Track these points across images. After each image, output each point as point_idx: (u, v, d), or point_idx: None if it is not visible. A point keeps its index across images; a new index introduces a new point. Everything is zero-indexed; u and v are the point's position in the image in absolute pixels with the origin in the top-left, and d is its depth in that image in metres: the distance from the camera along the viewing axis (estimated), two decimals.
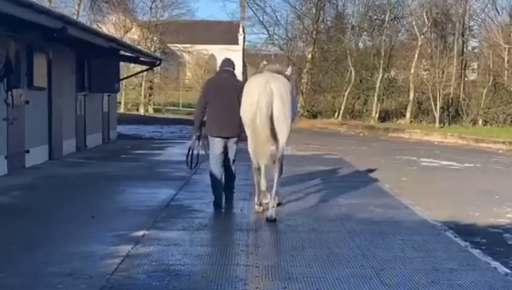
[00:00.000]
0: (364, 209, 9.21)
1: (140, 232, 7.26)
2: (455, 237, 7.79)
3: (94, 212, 8.48)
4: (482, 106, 30.82)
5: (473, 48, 35.66)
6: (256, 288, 5.41)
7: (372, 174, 13.28)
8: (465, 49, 34.08)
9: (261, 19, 39.06)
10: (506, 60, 31.38)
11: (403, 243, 7.25)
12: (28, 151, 12.73)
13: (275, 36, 38.34)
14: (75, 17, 32.73)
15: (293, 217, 8.46)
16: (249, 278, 5.65)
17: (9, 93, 11.54)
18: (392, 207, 9.50)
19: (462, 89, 32.47)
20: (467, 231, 8.26)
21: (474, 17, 34.52)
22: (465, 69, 33.58)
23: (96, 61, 17.27)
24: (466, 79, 33.68)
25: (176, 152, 17.45)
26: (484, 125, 30.56)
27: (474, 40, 35.60)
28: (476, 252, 7.10)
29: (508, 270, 6.35)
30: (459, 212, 9.57)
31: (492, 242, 7.84)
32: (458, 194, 11.42)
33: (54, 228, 7.66)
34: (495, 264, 6.60)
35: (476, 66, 35.29)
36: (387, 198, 10.30)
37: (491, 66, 32.32)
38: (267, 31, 38.91)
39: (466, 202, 10.55)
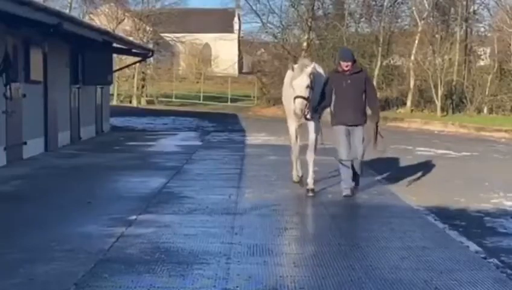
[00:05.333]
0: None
1: (133, 216, 8.11)
2: (435, 220, 8.37)
3: (90, 198, 9.39)
4: (487, 93, 30.86)
5: (477, 32, 35.46)
6: (238, 261, 6.23)
7: (364, 163, 13.85)
8: (469, 34, 34.03)
9: (254, 7, 39.41)
10: None
11: (382, 225, 7.93)
12: (25, 143, 13.61)
13: (268, 25, 38.77)
14: (67, 10, 33.70)
15: (279, 202, 9.20)
16: (232, 254, 6.46)
17: (8, 87, 12.44)
18: (379, 194, 10.09)
19: (465, 75, 32.36)
20: (448, 215, 8.77)
21: (477, 0, 34.47)
22: (469, 55, 33.55)
23: (90, 54, 17.94)
24: (471, 65, 33.25)
25: (168, 143, 18.23)
26: (490, 113, 30.59)
27: (478, 24, 35.70)
28: (452, 233, 7.69)
29: (479, 249, 6.95)
30: (445, 198, 10.02)
31: (471, 225, 8.31)
32: (448, 181, 11.79)
33: (53, 213, 8.56)
34: (468, 243, 7.18)
35: (482, 52, 35.29)
36: (375, 185, 10.76)
37: (496, 52, 32.53)
38: (261, 19, 39.26)
39: (454, 189, 10.98)
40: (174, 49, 51.40)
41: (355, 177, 10.10)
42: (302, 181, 10.50)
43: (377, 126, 10.10)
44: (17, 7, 10.79)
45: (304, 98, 9.46)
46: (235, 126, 26.20)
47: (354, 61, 9.96)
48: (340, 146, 9.86)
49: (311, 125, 10.05)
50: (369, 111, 10.04)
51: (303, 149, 10.42)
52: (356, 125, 9.84)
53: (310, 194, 9.85)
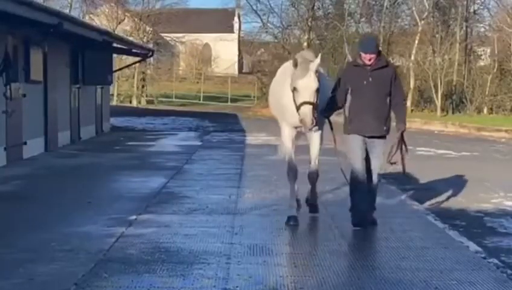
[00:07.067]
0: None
1: (133, 216, 8.16)
2: (435, 219, 8.42)
3: (90, 198, 9.45)
4: (487, 93, 31.10)
5: (477, 32, 35.76)
6: (238, 261, 6.27)
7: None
8: (469, 34, 34.28)
9: (254, 7, 39.62)
10: None
11: (382, 225, 7.93)
12: (25, 143, 13.69)
13: (269, 25, 38.94)
14: (67, 10, 33.88)
15: (279, 202, 9.16)
16: (232, 254, 6.50)
17: (8, 87, 12.49)
18: (378, 194, 10.06)
19: (465, 75, 32.57)
20: (448, 215, 8.84)
21: (477, 0, 34.78)
22: (469, 55, 33.83)
23: (90, 54, 18.08)
24: (471, 65, 33.59)
25: (168, 143, 18.35)
26: (490, 113, 30.85)
27: (478, 24, 35.88)
28: (452, 233, 7.74)
29: (479, 249, 7.00)
30: (445, 198, 10.13)
31: (471, 224, 8.41)
32: (448, 181, 11.80)
33: (53, 213, 8.61)
34: (468, 243, 7.22)
35: (482, 52, 35.50)
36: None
37: (496, 52, 32.69)
38: (261, 19, 39.45)
39: (454, 189, 10.97)
40: (174, 49, 51.60)
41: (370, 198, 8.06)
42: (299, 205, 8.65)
43: (402, 137, 7.89)
44: (17, 7, 10.87)
45: (313, 104, 7.46)
46: (235, 126, 26.27)
47: (379, 53, 7.83)
48: (354, 163, 7.85)
49: (314, 134, 8.11)
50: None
51: (302, 153, 8.56)
52: (376, 138, 7.80)
53: (312, 214, 8.42)
